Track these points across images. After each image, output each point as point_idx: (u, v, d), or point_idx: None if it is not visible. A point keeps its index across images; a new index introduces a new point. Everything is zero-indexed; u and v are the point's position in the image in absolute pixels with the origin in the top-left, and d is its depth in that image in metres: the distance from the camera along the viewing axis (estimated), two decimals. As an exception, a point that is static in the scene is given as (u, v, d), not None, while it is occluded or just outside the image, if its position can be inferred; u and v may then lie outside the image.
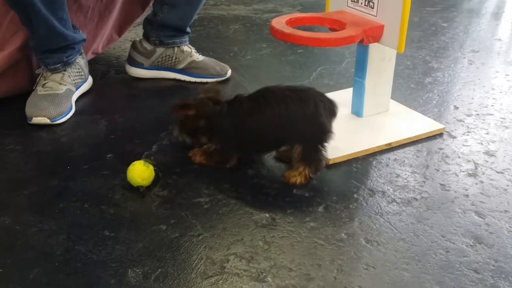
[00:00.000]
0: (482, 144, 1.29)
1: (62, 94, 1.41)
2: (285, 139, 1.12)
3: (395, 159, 1.22)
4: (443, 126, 1.35)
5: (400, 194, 1.10)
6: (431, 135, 1.32)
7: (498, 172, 1.18)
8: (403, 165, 1.20)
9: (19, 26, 1.39)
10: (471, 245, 0.96)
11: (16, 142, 1.29)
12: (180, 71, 1.63)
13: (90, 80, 1.56)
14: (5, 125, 1.37)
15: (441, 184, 1.14)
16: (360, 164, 1.21)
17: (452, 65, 1.78)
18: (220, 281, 0.88)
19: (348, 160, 1.22)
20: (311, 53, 1.86)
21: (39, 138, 1.31)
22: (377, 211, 1.05)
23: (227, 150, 1.16)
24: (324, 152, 1.12)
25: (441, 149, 1.27)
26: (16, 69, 1.45)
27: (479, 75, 1.70)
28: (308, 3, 2.42)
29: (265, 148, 1.18)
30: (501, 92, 1.58)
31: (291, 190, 1.11)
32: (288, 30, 1.19)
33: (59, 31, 1.36)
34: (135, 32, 1.98)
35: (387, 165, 1.20)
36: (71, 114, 1.41)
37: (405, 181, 1.15)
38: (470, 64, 1.79)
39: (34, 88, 1.44)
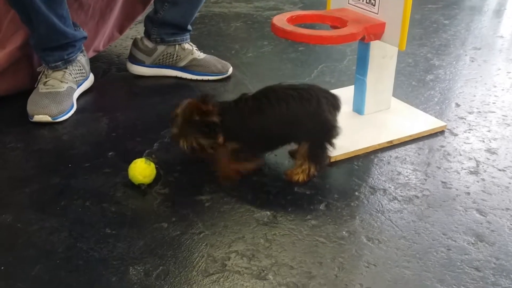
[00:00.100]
0: (483, 141, 1.29)
1: (64, 92, 1.41)
2: (291, 138, 1.12)
3: (396, 157, 1.22)
4: (445, 123, 1.34)
5: (401, 192, 1.10)
6: (432, 132, 1.32)
7: (499, 170, 1.18)
8: (405, 163, 1.20)
9: (19, 25, 1.39)
10: (472, 243, 0.96)
11: (17, 140, 1.29)
12: (182, 69, 1.63)
13: (91, 77, 1.56)
14: (7, 123, 1.37)
15: (442, 182, 1.14)
16: (362, 161, 1.21)
17: (454, 62, 1.77)
18: (221, 279, 0.88)
19: (349, 157, 1.21)
20: (312, 50, 1.86)
21: (41, 136, 1.32)
22: (378, 209, 1.05)
23: (252, 145, 1.11)
24: (329, 150, 1.12)
25: (442, 146, 1.27)
26: (17, 68, 1.45)
27: (481, 72, 1.69)
28: (310, 0, 2.41)
29: (270, 147, 1.17)
30: (503, 90, 1.57)
31: (292, 188, 1.11)
32: (290, 27, 1.19)
33: (59, 29, 1.36)
34: (136, 30, 1.98)
35: (389, 163, 1.20)
36: (72, 112, 1.41)
37: (406, 178, 1.15)
38: (472, 61, 1.78)
39: (35, 86, 1.44)
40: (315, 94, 1.09)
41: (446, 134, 1.32)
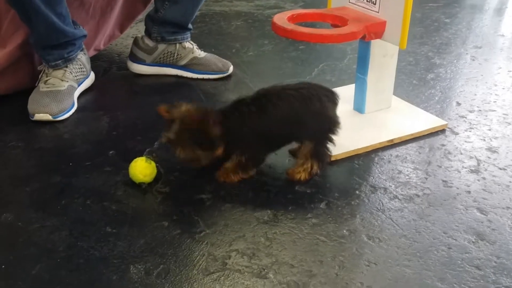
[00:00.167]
0: (484, 140, 1.29)
1: (64, 90, 1.41)
2: (294, 137, 1.12)
3: (397, 156, 1.22)
4: (446, 122, 1.34)
5: (402, 191, 1.10)
6: (433, 131, 1.32)
7: (500, 169, 1.18)
8: (405, 162, 1.20)
9: (20, 24, 1.39)
10: (473, 242, 0.96)
11: (18, 139, 1.29)
12: (182, 68, 1.63)
13: (92, 75, 1.56)
14: (7, 122, 1.37)
15: (443, 181, 1.14)
16: (362, 160, 1.20)
17: (455, 61, 1.77)
18: (222, 278, 0.88)
19: (350, 156, 1.21)
20: (313, 49, 1.86)
21: (41, 135, 1.32)
22: (379, 208, 1.05)
23: (258, 151, 1.11)
24: (330, 147, 1.12)
25: (443, 145, 1.27)
26: (17, 67, 1.45)
27: (481, 71, 1.69)
28: (310, -1, 2.41)
29: (272, 148, 1.16)
30: (503, 88, 1.57)
31: (292, 186, 1.11)
32: (290, 26, 1.19)
33: (58, 27, 1.36)
34: (137, 28, 1.98)
35: (389, 162, 1.20)
36: (73, 110, 1.41)
37: (407, 177, 1.15)
38: (473, 60, 1.78)
39: (36, 84, 1.44)
40: (316, 93, 1.09)
41: (447, 132, 1.32)
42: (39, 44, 1.40)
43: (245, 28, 2.08)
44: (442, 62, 1.75)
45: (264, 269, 0.90)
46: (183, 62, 1.62)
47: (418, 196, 1.09)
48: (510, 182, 1.13)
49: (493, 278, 0.88)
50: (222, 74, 1.63)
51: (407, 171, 1.17)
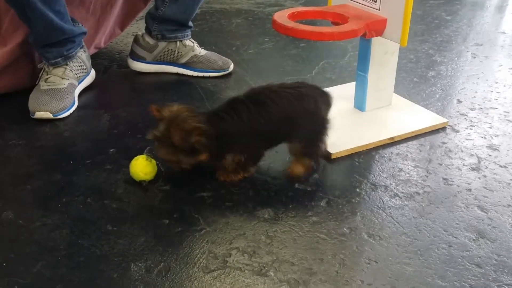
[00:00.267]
0: (485, 138, 1.29)
1: (65, 88, 1.41)
2: (287, 136, 1.11)
3: (397, 153, 1.22)
4: (446, 120, 1.34)
5: (402, 189, 1.10)
6: (434, 129, 1.32)
7: (501, 166, 1.18)
8: (406, 159, 1.20)
9: (20, 22, 1.39)
10: (473, 240, 0.96)
11: (19, 137, 1.29)
12: (183, 66, 1.63)
13: (93, 73, 1.56)
14: (8, 120, 1.37)
15: (443, 179, 1.13)
16: (363, 158, 1.20)
17: (456, 58, 1.77)
18: (222, 275, 0.88)
19: (351, 154, 1.21)
20: (313, 47, 1.86)
21: (42, 133, 1.32)
22: (379, 206, 1.05)
23: (256, 149, 1.10)
24: (321, 146, 1.12)
25: (444, 143, 1.27)
26: (18, 65, 1.45)
27: (482, 68, 1.69)
28: (311, -4, 2.41)
29: (268, 146, 1.15)
30: (504, 86, 1.57)
31: (293, 185, 1.11)
32: (291, 24, 1.19)
33: (56, 25, 1.36)
34: (137, 26, 1.98)
35: (390, 160, 1.20)
36: (73, 108, 1.41)
37: (407, 175, 1.15)
38: (474, 57, 1.78)
39: (37, 83, 1.44)
40: (311, 93, 1.09)
41: (448, 130, 1.32)
42: (38, 42, 1.40)
43: (245, 26, 2.08)
44: (443, 60, 1.75)
45: (264, 267, 0.90)
46: (183, 60, 1.62)
47: (418, 194, 1.09)
48: (511, 180, 1.13)
49: (494, 276, 0.88)
50: (223, 72, 1.63)
51: (408, 169, 1.17)
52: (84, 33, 1.48)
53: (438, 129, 1.32)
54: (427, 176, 1.14)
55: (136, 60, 1.63)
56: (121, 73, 1.66)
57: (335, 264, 0.91)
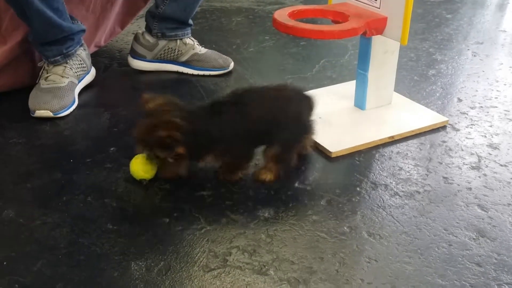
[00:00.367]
0: (485, 136, 1.29)
1: (65, 87, 1.41)
2: (267, 139, 1.08)
3: (398, 152, 1.22)
4: (447, 118, 1.34)
5: (402, 187, 1.10)
6: (434, 127, 1.32)
7: (501, 165, 1.17)
8: (406, 158, 1.20)
9: (20, 21, 1.39)
10: (473, 239, 0.96)
11: (19, 136, 1.30)
12: (183, 64, 1.63)
13: (93, 71, 1.56)
14: (8, 119, 1.37)
15: (444, 177, 1.13)
16: (363, 157, 1.20)
17: (456, 57, 1.76)
18: (223, 274, 0.88)
19: (351, 153, 1.21)
20: (314, 45, 1.86)
21: (42, 131, 1.32)
22: (379, 204, 1.05)
23: (242, 149, 1.08)
24: (295, 153, 1.11)
25: (444, 142, 1.27)
26: (18, 64, 1.45)
27: (483, 67, 1.69)
28: (311, -6, 2.40)
29: (252, 148, 1.11)
30: (505, 85, 1.57)
31: (293, 184, 1.11)
32: (291, 22, 1.19)
33: (55, 23, 1.36)
34: (138, 24, 1.98)
35: (390, 158, 1.20)
36: (74, 107, 1.41)
37: (408, 174, 1.15)
38: (474, 56, 1.78)
39: (37, 81, 1.44)
40: (293, 96, 1.08)
41: (448, 129, 1.32)
42: (37, 40, 1.40)
43: (246, 24, 2.08)
44: (443, 58, 1.75)
45: (264, 266, 0.90)
46: (184, 59, 1.62)
47: (418, 192, 1.09)
48: (511, 178, 1.13)
49: (494, 275, 0.88)
50: (223, 70, 1.63)
51: (408, 167, 1.17)
52: (83, 30, 1.48)
53: (438, 128, 1.32)
54: (427, 175, 1.14)
55: (137, 59, 1.63)
56: (122, 72, 1.66)
57: (335, 263, 0.91)
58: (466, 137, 1.28)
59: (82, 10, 1.57)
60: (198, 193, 1.08)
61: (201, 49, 1.63)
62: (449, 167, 1.17)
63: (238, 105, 1.05)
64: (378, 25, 1.21)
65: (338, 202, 1.06)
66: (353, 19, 1.20)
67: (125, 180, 1.12)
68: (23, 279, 0.87)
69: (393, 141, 1.26)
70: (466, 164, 1.18)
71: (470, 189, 1.10)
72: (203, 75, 1.62)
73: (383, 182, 1.12)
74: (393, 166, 1.17)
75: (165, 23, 1.58)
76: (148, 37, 1.61)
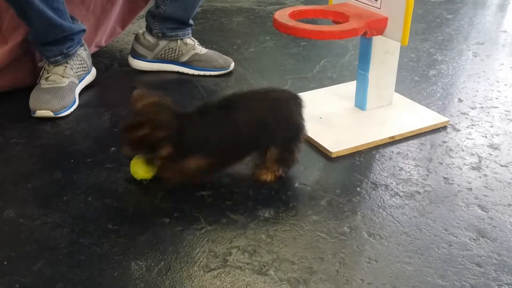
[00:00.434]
0: (486, 137, 1.29)
1: (65, 87, 1.41)
2: (262, 143, 1.07)
3: (398, 152, 1.22)
4: (447, 119, 1.34)
5: (403, 188, 1.10)
6: (434, 128, 1.32)
7: (502, 166, 1.17)
8: (407, 159, 1.20)
9: (21, 21, 1.39)
10: (474, 239, 0.96)
11: (20, 136, 1.30)
12: (183, 64, 1.63)
13: (93, 71, 1.56)
14: (9, 119, 1.37)
15: (444, 178, 1.13)
16: (363, 157, 1.20)
17: (457, 57, 1.76)
18: (223, 274, 0.88)
19: (351, 153, 1.21)
20: (314, 45, 1.86)
21: (43, 131, 1.32)
22: (380, 205, 1.05)
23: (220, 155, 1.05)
24: (297, 152, 1.09)
25: (444, 142, 1.27)
26: (18, 64, 1.45)
27: (483, 67, 1.69)
28: (312, -5, 2.40)
29: (238, 157, 1.10)
30: (506, 85, 1.57)
31: (293, 184, 1.11)
32: (291, 23, 1.19)
33: (55, 22, 1.36)
34: (138, 25, 1.98)
35: (390, 159, 1.20)
36: (74, 107, 1.42)
37: (408, 174, 1.14)
38: (475, 56, 1.77)
39: (37, 81, 1.44)
40: (283, 97, 1.08)
41: (449, 129, 1.32)
42: (37, 40, 1.40)
43: (246, 25, 2.08)
44: (444, 59, 1.75)
45: (264, 266, 0.90)
46: (184, 59, 1.62)
47: (419, 193, 1.09)
48: (511, 179, 1.13)
49: (494, 276, 0.88)
50: (224, 70, 1.63)
51: (408, 168, 1.17)
52: (84, 30, 1.48)
53: (439, 128, 1.32)
54: (427, 175, 1.14)
55: (137, 59, 1.64)
56: (122, 72, 1.66)
57: (336, 263, 0.91)
58: (467, 138, 1.28)
59: (83, 10, 1.57)
60: (198, 193, 1.08)
61: (201, 49, 1.64)
62: (450, 167, 1.17)
63: (227, 109, 1.03)
64: (378, 26, 1.21)
65: (339, 202, 1.06)
66: (354, 20, 1.20)
67: (126, 180, 1.12)
68: (23, 279, 0.88)
69: (393, 142, 1.26)
70: (467, 165, 1.18)
71: (470, 189, 1.10)
72: (204, 75, 1.62)
73: (384, 183, 1.12)
74: (394, 167, 1.17)
75: (166, 23, 1.58)
76: (148, 37, 1.61)
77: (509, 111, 1.41)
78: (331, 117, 1.33)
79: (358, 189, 1.10)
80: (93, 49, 1.68)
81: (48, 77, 1.42)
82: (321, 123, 1.31)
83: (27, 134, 1.31)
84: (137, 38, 1.62)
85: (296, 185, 1.11)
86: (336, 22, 1.26)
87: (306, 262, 0.91)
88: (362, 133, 1.27)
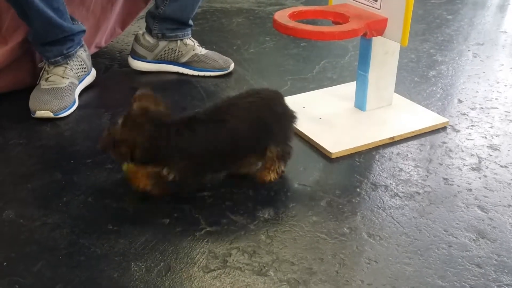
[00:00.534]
0: (486, 138, 1.29)
1: (65, 87, 1.41)
2: (259, 145, 1.07)
3: (398, 153, 1.22)
4: (447, 119, 1.34)
5: (403, 188, 1.10)
6: (434, 129, 1.32)
7: (502, 166, 1.17)
8: (406, 159, 1.20)
9: (21, 21, 1.39)
10: (474, 240, 0.96)
11: (20, 136, 1.30)
12: (183, 65, 1.63)
13: (93, 72, 1.56)
14: (9, 119, 1.37)
15: (444, 178, 1.13)
16: (363, 158, 1.20)
17: (457, 58, 1.76)
18: (222, 275, 0.88)
19: (351, 154, 1.21)
20: (314, 46, 1.86)
21: (43, 132, 1.32)
22: (379, 205, 1.05)
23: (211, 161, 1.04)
24: (291, 143, 1.10)
25: (444, 143, 1.27)
26: (18, 64, 1.45)
27: (483, 68, 1.69)
28: (312, -5, 2.40)
29: (234, 161, 1.09)
30: (505, 86, 1.57)
31: (293, 184, 1.11)
32: (291, 23, 1.19)
33: (55, 23, 1.36)
34: (138, 25, 1.98)
35: (390, 159, 1.20)
36: (74, 107, 1.42)
37: (408, 175, 1.14)
38: (475, 57, 1.78)
39: (37, 82, 1.44)
40: (271, 95, 1.08)
41: (448, 130, 1.32)
42: (37, 40, 1.40)
43: (246, 25, 2.08)
44: (444, 59, 1.75)
45: (264, 267, 0.90)
46: (184, 59, 1.62)
47: (419, 193, 1.09)
48: (511, 180, 1.13)
49: (494, 276, 0.88)
50: (223, 71, 1.63)
51: (408, 168, 1.17)
52: (83, 31, 1.48)
53: (438, 129, 1.32)
54: (427, 176, 1.14)
55: (137, 59, 1.64)
56: (122, 72, 1.66)
57: (335, 264, 0.91)
58: (467, 138, 1.28)
59: (83, 11, 1.57)
60: (198, 194, 1.08)
61: (201, 50, 1.64)
62: (449, 168, 1.17)
63: (216, 120, 1.02)
64: (378, 26, 1.21)
65: (338, 203, 1.06)
66: (354, 20, 1.20)
67: (126, 181, 1.12)
68: (23, 280, 0.87)
69: (393, 142, 1.26)
70: (467, 165, 1.18)
71: (470, 190, 1.10)
72: (204, 76, 1.62)
73: (383, 183, 1.12)
74: (393, 167, 1.17)
75: (165, 23, 1.58)
76: (148, 37, 1.61)
77: (509, 112, 1.41)
78: (331, 117, 1.33)
79: (358, 189, 1.10)
80: (93, 49, 1.68)
81: (48, 77, 1.42)
82: (321, 123, 1.31)
83: (27, 134, 1.31)
84: (137, 38, 1.62)
85: (296, 185, 1.11)
86: (336, 23, 1.26)
87: (306, 263, 0.91)
88: (362, 133, 1.27)
